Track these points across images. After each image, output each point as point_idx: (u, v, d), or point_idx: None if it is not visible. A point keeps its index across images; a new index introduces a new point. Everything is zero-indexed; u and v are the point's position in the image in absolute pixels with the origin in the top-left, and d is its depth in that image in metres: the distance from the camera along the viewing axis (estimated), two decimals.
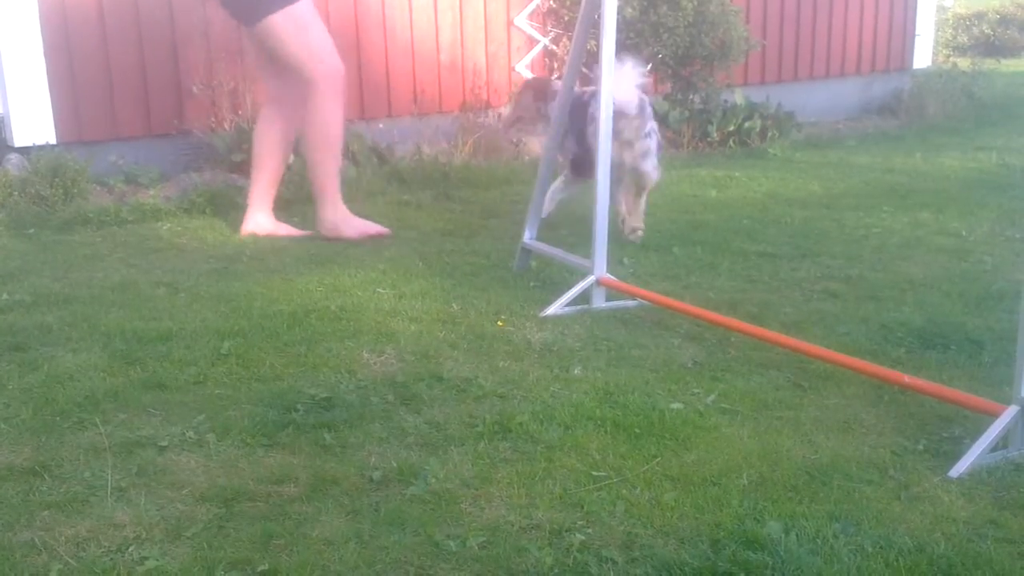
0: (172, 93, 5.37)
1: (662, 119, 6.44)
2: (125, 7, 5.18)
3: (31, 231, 4.40)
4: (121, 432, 2.41)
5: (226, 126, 5.33)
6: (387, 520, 2.01)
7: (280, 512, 2.05)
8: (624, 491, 2.11)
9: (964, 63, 8.69)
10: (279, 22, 3.95)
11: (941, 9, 9.76)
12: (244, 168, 5.20)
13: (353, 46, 5.78)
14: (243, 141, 5.21)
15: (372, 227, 4.25)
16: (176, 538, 1.96)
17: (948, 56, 9.35)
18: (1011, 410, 2.22)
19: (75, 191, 4.75)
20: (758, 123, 6.44)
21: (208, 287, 3.56)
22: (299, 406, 2.53)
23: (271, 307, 3.31)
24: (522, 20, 6.42)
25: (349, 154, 5.25)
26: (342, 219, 4.25)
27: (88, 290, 3.54)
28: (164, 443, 2.35)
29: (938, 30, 9.10)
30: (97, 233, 4.42)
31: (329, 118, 4.16)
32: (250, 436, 2.38)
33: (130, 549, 1.92)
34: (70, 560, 1.88)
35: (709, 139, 6.37)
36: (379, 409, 2.54)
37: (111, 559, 1.89)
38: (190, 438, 2.37)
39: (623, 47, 6.10)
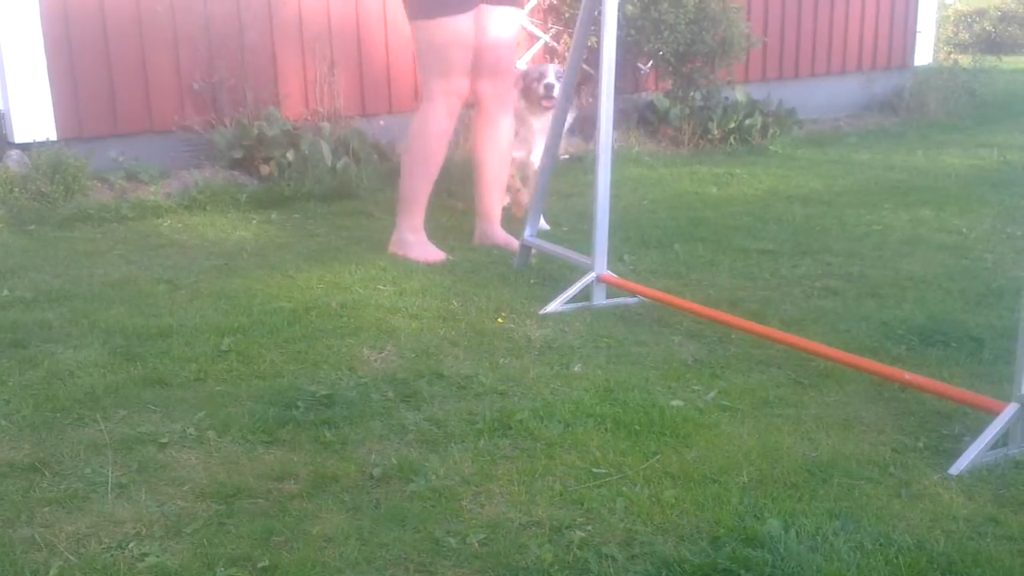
0: (173, 89, 5.36)
1: (663, 116, 6.43)
2: (126, 3, 5.18)
3: (31, 227, 4.40)
4: (121, 428, 2.41)
5: (227, 123, 5.33)
6: (387, 517, 2.01)
7: (280, 509, 2.05)
8: (624, 488, 2.11)
9: (965, 60, 8.67)
10: (419, 28, 3.84)
11: (942, 6, 9.76)
12: (244, 165, 5.21)
13: (354, 42, 5.78)
14: (243, 138, 5.21)
15: (435, 254, 3.93)
16: (176, 534, 1.96)
17: (949, 53, 9.34)
18: (1011, 408, 2.22)
19: (75, 187, 4.75)
20: (759, 120, 6.43)
21: (208, 283, 3.56)
22: (299, 403, 2.53)
23: (272, 304, 3.31)
24: (523, 16, 6.41)
25: (350, 151, 5.25)
26: (416, 242, 3.97)
27: (88, 287, 3.54)
28: (164, 440, 2.35)
29: (939, 27, 9.09)
30: (98, 229, 4.42)
31: (430, 132, 3.91)
32: (250, 433, 2.38)
33: (130, 545, 1.92)
34: (70, 556, 1.89)
35: (710, 136, 6.36)
36: (379, 406, 2.54)
37: (111, 555, 1.89)
38: (190, 435, 2.38)
39: (623, 44, 6.10)
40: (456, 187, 5.03)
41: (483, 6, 3.82)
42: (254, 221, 4.57)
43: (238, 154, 5.20)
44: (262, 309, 3.25)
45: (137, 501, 2.08)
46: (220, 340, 2.96)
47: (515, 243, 3.92)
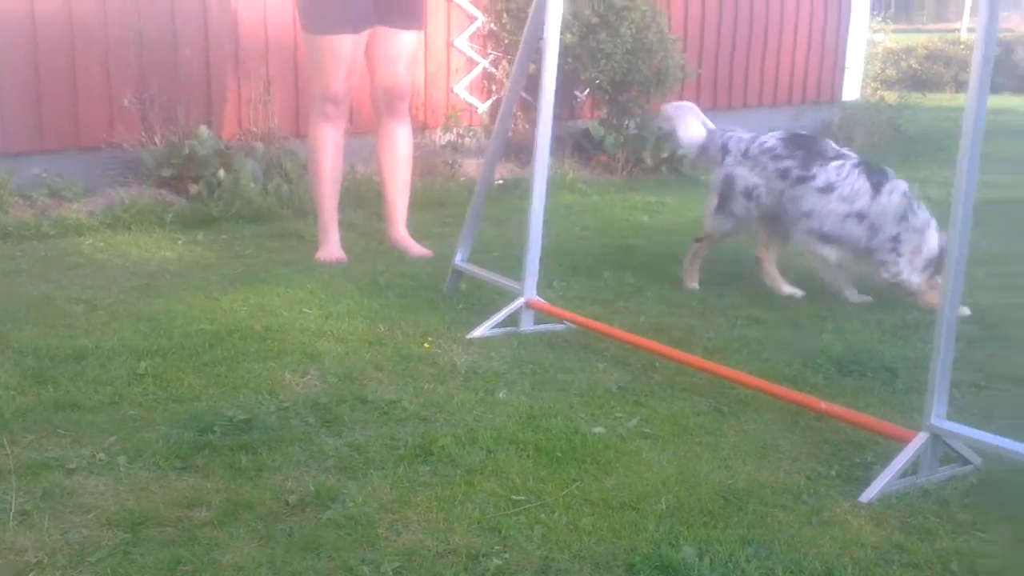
0: (102, 105, 5.25)
1: (597, 144, 6.50)
2: (57, 15, 5.07)
3: None
4: (28, 453, 2.34)
5: (156, 141, 5.25)
6: (301, 545, 1.98)
7: (190, 537, 2.00)
8: (543, 515, 2.11)
9: (891, 96, 8.91)
10: (305, 39, 4.22)
11: (871, 43, 10.04)
12: (173, 184, 5.12)
13: (291, 62, 5.74)
14: (173, 156, 5.13)
15: (331, 254, 4.25)
16: (79, 563, 1.90)
17: (876, 89, 9.60)
18: (920, 437, 2.27)
19: None
20: None
21: (128, 304, 3.49)
22: (216, 428, 2.48)
23: (192, 326, 3.25)
24: (462, 42, 6.44)
25: (282, 172, 5.20)
26: (321, 243, 4.30)
27: (3, 305, 3.43)
28: (72, 465, 2.28)
29: (867, 64, 9.34)
30: (16, 247, 4.30)
31: (310, 137, 4.32)
32: (163, 459, 2.33)
33: (31, 575, 1.86)
34: None
35: (643, 165, 6.43)
36: (299, 431, 2.50)
37: None
38: (100, 460, 2.31)
39: (561, 71, 6.14)
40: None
41: (380, 28, 4.13)
42: (179, 241, 4.49)
43: (167, 172, 5.11)
44: (183, 331, 3.19)
45: (40, 529, 2.02)
46: (137, 363, 2.89)
47: (413, 248, 4.34)
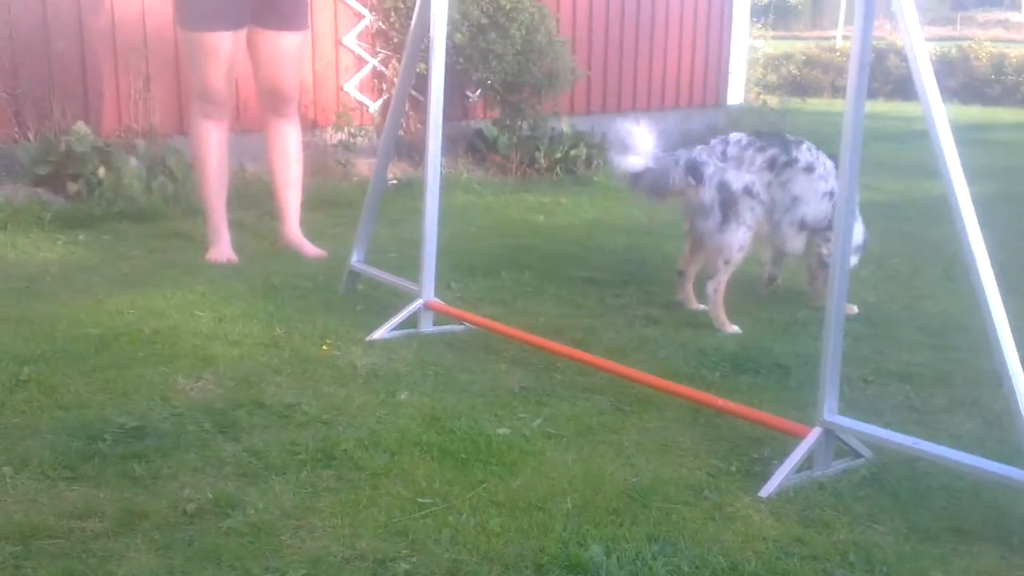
0: None
1: (491, 144, 6.51)
2: None
3: None
4: None
5: (31, 137, 5.01)
6: (201, 555, 1.92)
7: (83, 549, 1.92)
8: (450, 518, 2.10)
9: (773, 101, 9.22)
10: (181, 36, 4.17)
11: (752, 49, 10.37)
12: (50, 182, 4.90)
13: (171, 56, 5.56)
14: (49, 153, 4.90)
15: (221, 254, 4.18)
16: None
17: (759, 94, 9.92)
18: (815, 432, 2.34)
19: None
20: (584, 151, 6.60)
21: (7, 308, 3.32)
22: (106, 435, 2.38)
23: (77, 330, 3.11)
24: (351, 40, 6.36)
25: (167, 170, 5.04)
26: (211, 243, 4.21)
27: None
28: None
29: (750, 69, 9.65)
30: None
31: (192, 136, 4.24)
32: (51, 468, 2.22)
33: None
34: None
35: (537, 165, 6.48)
36: (195, 438, 2.42)
37: None
38: None
39: (452, 72, 6.14)
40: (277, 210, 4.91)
41: (259, 29, 4.07)
42: (60, 242, 4.30)
43: (43, 170, 4.88)
44: (67, 336, 3.05)
45: None
46: (19, 369, 2.76)
47: (307, 248, 4.28)
